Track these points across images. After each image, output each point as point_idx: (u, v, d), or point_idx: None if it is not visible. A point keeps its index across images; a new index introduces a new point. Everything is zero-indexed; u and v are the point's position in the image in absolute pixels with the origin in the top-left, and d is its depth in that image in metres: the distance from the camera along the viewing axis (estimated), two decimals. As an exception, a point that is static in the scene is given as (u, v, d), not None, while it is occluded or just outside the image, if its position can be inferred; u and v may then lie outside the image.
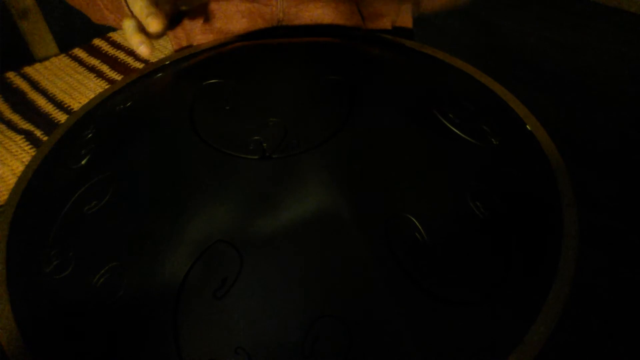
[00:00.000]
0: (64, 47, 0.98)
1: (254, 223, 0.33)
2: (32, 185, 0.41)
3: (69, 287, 0.33)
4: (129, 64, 0.85)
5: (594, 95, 1.52)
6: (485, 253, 0.33)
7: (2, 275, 0.35)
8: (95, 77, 0.82)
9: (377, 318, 0.30)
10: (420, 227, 0.32)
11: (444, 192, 0.36)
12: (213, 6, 0.57)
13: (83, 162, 0.40)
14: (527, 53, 1.68)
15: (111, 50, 0.88)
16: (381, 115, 0.40)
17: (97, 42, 0.91)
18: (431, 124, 0.39)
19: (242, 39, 0.54)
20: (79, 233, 0.35)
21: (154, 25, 0.42)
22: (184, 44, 0.64)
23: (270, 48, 0.50)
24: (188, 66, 0.50)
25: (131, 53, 0.87)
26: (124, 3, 0.47)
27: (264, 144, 0.36)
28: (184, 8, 0.53)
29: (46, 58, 0.92)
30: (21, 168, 0.58)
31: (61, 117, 0.76)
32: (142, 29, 0.44)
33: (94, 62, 0.86)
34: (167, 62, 0.51)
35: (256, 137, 0.37)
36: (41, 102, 0.79)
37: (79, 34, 1.01)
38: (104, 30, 0.95)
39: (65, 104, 0.78)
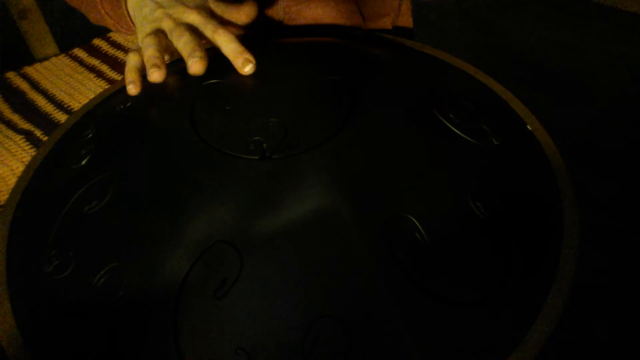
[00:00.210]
0: (64, 47, 0.98)
1: (254, 223, 0.33)
2: (32, 185, 0.41)
3: (69, 287, 0.33)
4: (129, 64, 0.85)
5: (594, 95, 1.52)
6: (485, 253, 0.33)
7: (2, 275, 0.35)
8: (95, 77, 0.82)
9: (377, 318, 0.30)
10: (420, 227, 0.32)
11: (444, 192, 0.36)
12: (212, 4, 0.57)
13: (83, 162, 0.40)
14: (527, 53, 1.68)
15: (111, 50, 0.88)
16: (381, 115, 0.40)
17: (97, 42, 0.91)
18: (431, 124, 0.39)
19: (242, 38, 0.54)
20: (79, 233, 0.35)
21: (155, 76, 0.43)
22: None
23: (270, 47, 0.50)
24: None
25: (131, 53, 0.87)
26: (138, 41, 0.48)
27: (264, 144, 0.36)
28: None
29: (46, 58, 0.92)
30: (21, 168, 0.58)
31: (61, 117, 0.76)
32: (141, 69, 0.45)
33: (94, 62, 0.86)
34: (168, 62, 0.51)
35: (256, 138, 0.37)
36: (41, 102, 0.79)
37: (79, 34, 1.01)
38: (103, 30, 0.95)
39: (65, 104, 0.78)
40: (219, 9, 0.50)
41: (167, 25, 0.46)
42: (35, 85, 0.84)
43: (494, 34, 1.74)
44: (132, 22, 0.53)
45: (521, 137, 0.41)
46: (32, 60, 0.96)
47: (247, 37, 0.54)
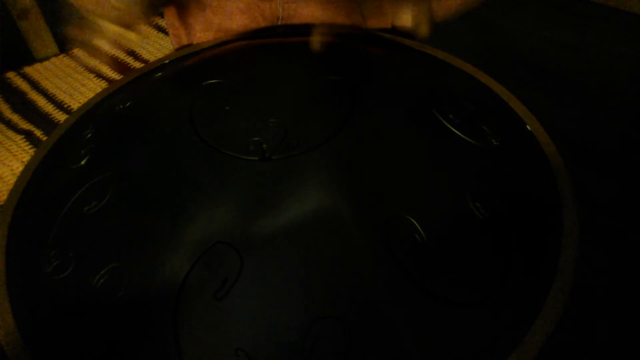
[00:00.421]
0: (64, 47, 0.98)
1: (254, 224, 0.33)
2: (31, 185, 0.41)
3: (69, 287, 0.33)
4: (129, 64, 0.85)
5: (594, 95, 1.52)
6: (485, 253, 0.33)
7: (1, 275, 0.35)
8: (95, 77, 0.82)
9: (377, 318, 0.30)
10: (419, 228, 0.32)
11: (443, 193, 0.35)
12: (212, 3, 0.57)
13: (83, 162, 0.40)
14: (527, 53, 1.68)
15: (111, 50, 0.88)
16: (381, 116, 0.40)
17: (97, 42, 0.91)
18: (431, 124, 0.39)
19: (242, 38, 0.54)
20: (78, 233, 0.35)
21: None
22: (184, 42, 0.64)
23: (270, 47, 0.50)
24: (188, 66, 0.50)
25: (131, 53, 0.87)
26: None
27: (264, 145, 0.36)
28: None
29: (46, 58, 0.92)
30: (21, 168, 0.58)
31: (61, 117, 0.76)
32: None
33: (94, 62, 0.86)
34: (167, 62, 0.51)
35: (256, 138, 0.37)
36: (41, 102, 0.79)
37: (79, 34, 1.01)
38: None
39: (65, 104, 0.78)
40: None
41: None
42: (35, 85, 0.84)
43: (494, 34, 1.74)
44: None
45: (521, 137, 0.41)
46: (32, 60, 0.96)
47: (246, 36, 0.54)
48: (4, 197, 0.60)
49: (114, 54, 0.86)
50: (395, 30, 0.65)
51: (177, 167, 0.37)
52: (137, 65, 0.87)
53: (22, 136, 0.72)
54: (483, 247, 0.33)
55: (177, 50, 0.62)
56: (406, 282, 0.31)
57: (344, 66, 0.45)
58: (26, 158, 0.70)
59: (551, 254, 0.34)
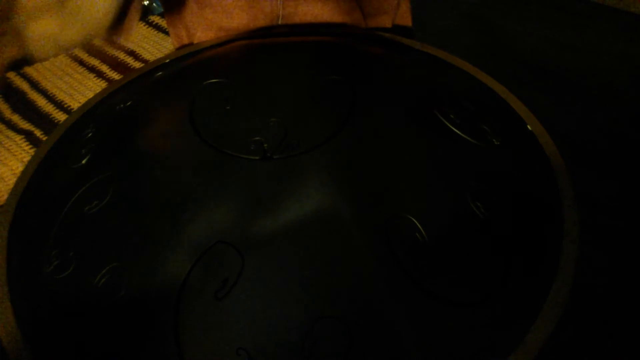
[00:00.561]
0: (64, 47, 0.97)
1: (255, 223, 0.33)
2: (32, 185, 0.41)
3: (70, 287, 0.33)
4: (129, 63, 0.85)
5: (594, 95, 1.52)
6: (485, 253, 0.33)
7: (2, 275, 0.35)
8: (95, 77, 0.82)
9: (377, 318, 0.30)
10: (420, 227, 0.32)
11: (444, 192, 0.35)
12: (212, 1, 0.57)
13: (83, 162, 0.40)
14: (527, 53, 1.68)
15: (111, 50, 0.88)
16: (381, 115, 0.40)
17: (97, 42, 0.91)
18: (431, 123, 0.39)
19: (242, 37, 0.54)
20: (79, 233, 0.35)
21: None
22: (185, 41, 0.64)
23: (270, 47, 0.50)
24: (188, 65, 0.50)
25: (131, 53, 0.87)
26: None
27: (265, 145, 0.36)
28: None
29: (46, 58, 0.92)
30: (21, 168, 0.58)
31: (61, 117, 0.76)
32: None
33: (94, 62, 0.86)
34: (167, 61, 0.51)
35: (257, 138, 0.37)
36: (41, 102, 0.79)
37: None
38: (103, 30, 0.94)
39: (65, 104, 0.78)
40: None
41: None
42: (35, 85, 0.84)
43: (494, 34, 1.74)
44: None
45: (521, 137, 0.41)
46: (32, 60, 0.96)
47: (245, 36, 0.54)
48: (4, 197, 0.60)
49: (114, 54, 0.86)
50: (395, 29, 0.65)
51: (178, 166, 0.37)
52: (137, 65, 0.87)
53: (22, 136, 0.72)
54: (483, 246, 0.33)
55: (177, 49, 0.62)
56: (406, 282, 0.31)
57: (344, 66, 0.45)
58: (26, 158, 0.70)
59: (551, 254, 0.34)
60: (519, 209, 0.36)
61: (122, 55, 0.87)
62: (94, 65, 0.86)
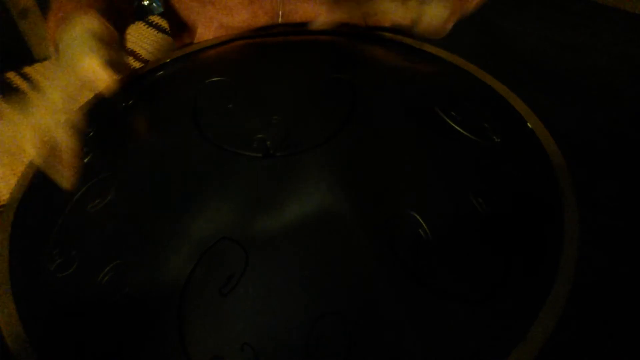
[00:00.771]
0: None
1: (257, 221, 0.33)
2: (34, 183, 0.41)
3: (73, 285, 0.33)
4: (128, 64, 0.85)
5: (594, 95, 1.51)
6: (487, 252, 0.33)
7: (5, 274, 0.35)
8: (95, 77, 0.82)
9: (379, 316, 0.30)
10: (424, 224, 0.32)
11: (445, 190, 0.36)
12: None
13: (85, 161, 0.40)
14: (527, 53, 1.68)
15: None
16: (383, 114, 0.40)
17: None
18: (433, 122, 0.39)
19: (243, 36, 0.54)
20: (81, 231, 0.36)
21: None
22: (186, 40, 0.64)
23: (271, 46, 0.50)
24: (190, 64, 0.50)
25: (131, 53, 0.87)
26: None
27: (268, 142, 0.37)
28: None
29: (46, 58, 0.92)
30: (21, 168, 0.58)
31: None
32: None
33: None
34: (168, 60, 0.51)
35: (260, 135, 0.37)
36: (41, 102, 0.79)
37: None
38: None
39: (66, 103, 0.78)
40: None
41: None
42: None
43: (494, 34, 1.74)
44: None
45: (522, 136, 0.41)
46: (32, 60, 0.96)
47: (246, 35, 0.54)
48: (5, 197, 0.60)
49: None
50: (394, 29, 0.65)
51: (180, 164, 0.38)
52: (137, 65, 0.87)
53: (22, 136, 0.72)
54: (485, 245, 0.33)
55: (178, 49, 0.62)
56: (407, 281, 0.31)
57: (344, 65, 0.45)
58: (27, 158, 0.70)
59: (551, 254, 0.34)
60: (520, 208, 0.36)
61: (122, 55, 0.87)
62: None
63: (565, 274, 0.33)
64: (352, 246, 0.32)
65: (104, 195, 0.36)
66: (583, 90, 1.53)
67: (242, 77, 0.44)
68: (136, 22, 0.93)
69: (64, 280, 0.33)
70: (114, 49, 0.44)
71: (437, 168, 0.37)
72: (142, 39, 0.90)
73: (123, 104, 0.45)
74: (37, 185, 0.41)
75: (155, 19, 0.95)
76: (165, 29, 0.90)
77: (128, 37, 0.89)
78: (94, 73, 0.41)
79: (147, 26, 0.93)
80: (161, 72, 0.50)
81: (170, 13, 0.64)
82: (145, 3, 1.46)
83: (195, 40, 0.62)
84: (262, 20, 0.57)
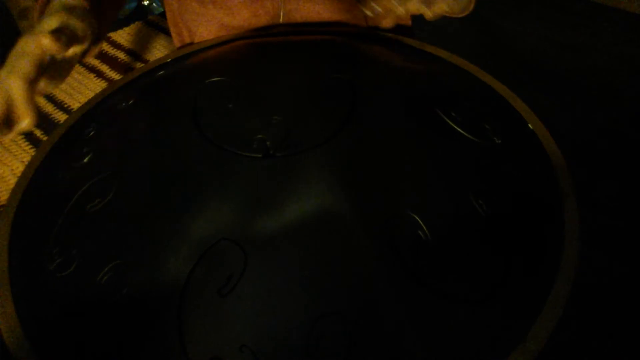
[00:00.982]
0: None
1: (257, 221, 0.33)
2: (34, 182, 0.41)
3: (73, 284, 0.33)
4: (129, 64, 0.85)
5: (594, 95, 1.51)
6: (487, 252, 0.33)
7: (4, 273, 0.35)
8: (95, 77, 0.82)
9: (379, 316, 0.30)
10: (423, 225, 0.32)
11: (446, 190, 0.36)
12: None
13: (85, 160, 0.40)
14: (527, 53, 1.68)
15: (111, 50, 0.88)
16: (383, 114, 0.40)
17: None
18: (433, 122, 0.39)
19: (243, 36, 0.54)
20: (81, 231, 0.35)
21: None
22: (186, 40, 0.64)
23: (272, 46, 0.50)
24: (190, 64, 0.50)
25: (131, 53, 0.87)
26: None
27: (268, 142, 0.37)
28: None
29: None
30: (21, 168, 0.58)
31: (61, 117, 0.75)
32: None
33: (94, 62, 0.86)
34: (169, 60, 0.51)
35: (260, 136, 0.37)
36: (41, 102, 0.79)
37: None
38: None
39: (65, 104, 0.78)
40: None
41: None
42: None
43: (494, 34, 1.74)
44: None
45: (522, 136, 0.41)
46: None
47: (246, 35, 0.54)
48: (4, 197, 0.60)
49: (114, 54, 0.86)
50: (395, 28, 0.65)
51: (180, 164, 0.37)
52: (137, 65, 0.87)
53: (22, 136, 0.72)
54: (485, 246, 0.33)
55: (178, 48, 0.62)
56: (407, 280, 0.31)
57: (345, 65, 0.45)
58: (26, 158, 0.70)
59: (552, 254, 0.34)
60: (520, 208, 0.36)
61: (122, 55, 0.87)
62: (94, 65, 0.86)
63: (565, 274, 0.33)
64: (352, 246, 0.32)
65: (104, 195, 0.36)
66: (583, 90, 1.53)
67: (242, 77, 0.44)
68: (136, 22, 0.93)
69: (63, 280, 0.33)
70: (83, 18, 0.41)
71: (437, 168, 0.37)
72: (142, 39, 0.90)
73: (123, 104, 0.45)
74: (37, 185, 0.41)
75: (155, 19, 0.95)
76: (165, 29, 0.90)
77: (128, 37, 0.89)
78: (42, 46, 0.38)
79: (147, 26, 0.93)
80: (161, 72, 0.50)
81: (170, 13, 0.64)
82: (145, 3, 1.46)
83: (195, 40, 0.62)
84: (262, 20, 0.57)
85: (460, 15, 0.51)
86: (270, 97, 0.41)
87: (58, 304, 0.33)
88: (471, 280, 0.32)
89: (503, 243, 0.33)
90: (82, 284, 0.33)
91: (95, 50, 0.47)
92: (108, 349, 0.31)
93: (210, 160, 0.37)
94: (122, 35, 0.93)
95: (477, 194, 0.35)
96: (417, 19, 0.68)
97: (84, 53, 0.45)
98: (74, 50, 0.40)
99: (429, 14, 0.49)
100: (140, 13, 1.39)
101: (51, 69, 0.40)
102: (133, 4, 1.41)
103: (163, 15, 0.83)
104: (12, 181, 0.65)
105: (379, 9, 0.50)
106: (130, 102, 0.44)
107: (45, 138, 0.72)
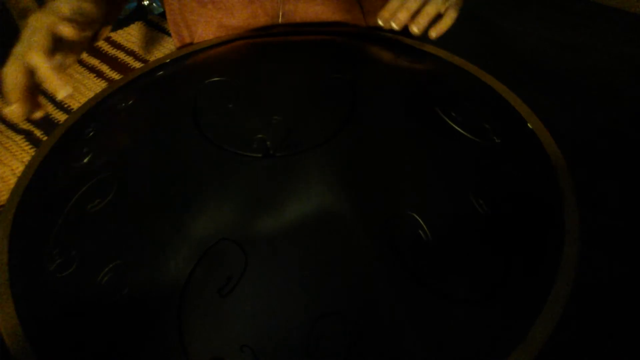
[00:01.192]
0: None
1: (258, 221, 0.33)
2: (33, 183, 0.41)
3: (73, 285, 0.33)
4: (129, 64, 0.85)
5: (594, 95, 1.51)
6: (487, 252, 0.33)
7: (4, 274, 0.35)
8: (95, 77, 0.82)
9: (379, 316, 0.30)
10: (423, 225, 0.32)
11: (446, 190, 0.36)
12: None
13: (85, 160, 0.40)
14: (527, 53, 1.67)
15: (111, 50, 0.88)
16: (383, 114, 0.40)
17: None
18: (433, 122, 0.39)
19: (243, 37, 0.54)
20: (81, 231, 0.35)
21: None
22: (186, 40, 0.64)
23: (271, 46, 0.50)
24: (190, 64, 0.50)
25: (131, 53, 0.87)
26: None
27: (268, 142, 0.37)
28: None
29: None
30: (21, 168, 0.58)
31: (61, 117, 0.75)
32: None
33: (94, 62, 0.86)
34: (169, 60, 0.51)
35: (260, 136, 0.37)
36: (41, 102, 0.79)
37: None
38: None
39: (65, 104, 0.78)
40: None
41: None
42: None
43: (494, 34, 1.73)
44: None
45: (522, 136, 0.41)
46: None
47: (246, 35, 0.54)
48: (4, 197, 0.60)
49: (114, 54, 0.86)
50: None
51: (181, 165, 0.38)
52: (137, 65, 0.87)
53: (22, 136, 0.72)
54: (485, 245, 0.33)
55: (178, 49, 0.62)
56: (408, 280, 0.31)
57: (344, 65, 0.45)
58: (26, 158, 0.70)
59: (552, 254, 0.34)
60: (521, 208, 0.36)
61: (122, 55, 0.87)
62: (94, 65, 0.86)
63: (565, 274, 0.33)
64: (352, 246, 0.32)
65: (104, 196, 0.36)
66: (583, 90, 1.52)
67: (242, 77, 0.44)
68: (136, 22, 0.93)
69: (63, 280, 0.33)
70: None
71: (437, 168, 0.37)
72: (142, 39, 0.90)
73: (123, 104, 0.45)
74: (37, 185, 0.41)
75: (155, 19, 0.95)
76: (165, 29, 0.90)
77: (128, 37, 0.89)
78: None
79: (147, 26, 0.93)
80: (161, 72, 0.50)
81: (170, 13, 0.64)
82: (145, 3, 1.46)
83: (195, 41, 0.62)
84: (262, 20, 0.57)
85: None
86: (270, 97, 0.41)
87: (58, 304, 0.33)
88: (471, 280, 0.32)
89: (503, 243, 0.33)
90: (82, 284, 0.33)
91: (104, 33, 0.47)
92: (108, 349, 0.31)
93: (210, 160, 0.37)
94: (122, 35, 0.93)
95: (477, 194, 0.35)
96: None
97: (94, 36, 0.45)
98: (84, 32, 0.40)
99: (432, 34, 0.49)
100: (140, 13, 1.38)
101: (63, 47, 0.40)
102: (133, 4, 1.41)
103: (163, 15, 0.83)
104: (12, 181, 0.65)
105: (396, 26, 0.49)
106: (130, 102, 0.45)
107: (45, 138, 0.72)
